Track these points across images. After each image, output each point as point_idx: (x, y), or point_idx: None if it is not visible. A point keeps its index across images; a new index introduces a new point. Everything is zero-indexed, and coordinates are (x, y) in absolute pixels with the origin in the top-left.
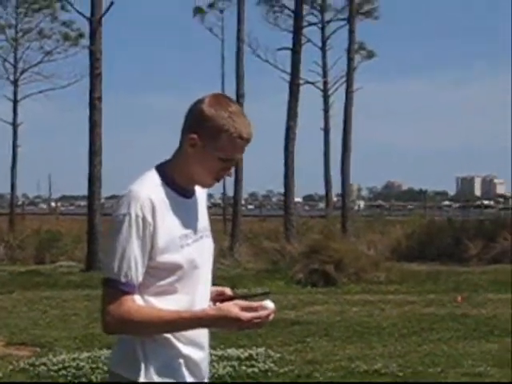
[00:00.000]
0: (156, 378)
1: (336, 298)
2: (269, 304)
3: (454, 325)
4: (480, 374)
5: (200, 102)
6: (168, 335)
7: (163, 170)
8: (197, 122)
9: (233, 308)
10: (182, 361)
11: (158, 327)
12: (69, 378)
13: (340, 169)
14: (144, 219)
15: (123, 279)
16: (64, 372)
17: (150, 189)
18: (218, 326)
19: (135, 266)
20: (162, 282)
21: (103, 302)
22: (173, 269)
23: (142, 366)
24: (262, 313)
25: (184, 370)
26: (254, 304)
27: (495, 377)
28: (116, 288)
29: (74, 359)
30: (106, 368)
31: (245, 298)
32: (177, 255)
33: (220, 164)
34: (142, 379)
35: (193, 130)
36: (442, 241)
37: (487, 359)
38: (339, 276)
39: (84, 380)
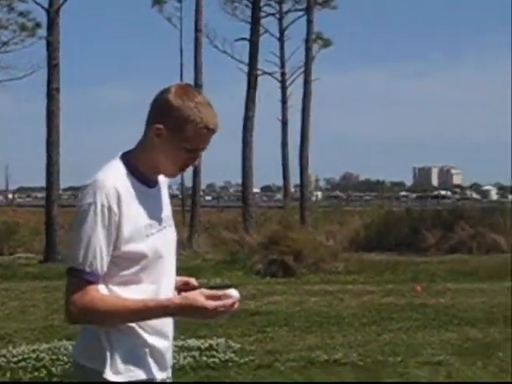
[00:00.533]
0: (121, 367)
1: (295, 289)
2: (233, 292)
3: (413, 314)
4: (440, 363)
5: (166, 91)
6: (133, 324)
7: (127, 159)
8: (163, 112)
9: (198, 297)
10: (147, 350)
11: (123, 316)
12: (29, 369)
13: (298, 159)
14: (110, 208)
15: (88, 269)
16: (24, 363)
17: (115, 178)
18: (184, 314)
19: (100, 255)
20: (127, 272)
21: (67, 291)
22: (137, 258)
23: (108, 355)
24: (227, 301)
25: (149, 358)
26: (219, 293)
27: (455, 366)
28: (80, 278)
29: (33, 351)
30: (66, 359)
31: (209, 288)
32: (142, 245)
33: (185, 154)
34: (107, 369)
35: (158, 119)
36: (399, 231)
37: (447, 348)
38: (298, 266)
39: (44, 371)
